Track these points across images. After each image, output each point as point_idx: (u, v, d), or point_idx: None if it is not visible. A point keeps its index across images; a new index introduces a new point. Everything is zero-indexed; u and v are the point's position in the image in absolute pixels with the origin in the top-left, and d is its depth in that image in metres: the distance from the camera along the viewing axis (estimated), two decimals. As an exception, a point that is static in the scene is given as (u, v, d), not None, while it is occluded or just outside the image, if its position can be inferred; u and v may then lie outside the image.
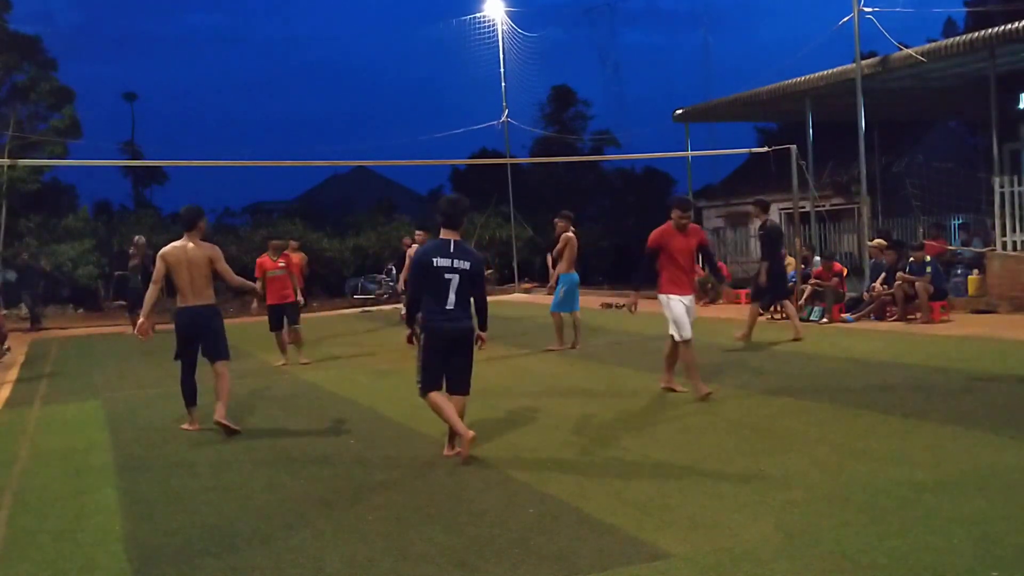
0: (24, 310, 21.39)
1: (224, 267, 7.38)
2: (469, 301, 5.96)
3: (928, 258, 13.08)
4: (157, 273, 7.32)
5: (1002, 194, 14.26)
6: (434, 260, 5.83)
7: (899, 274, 13.01)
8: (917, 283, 12.80)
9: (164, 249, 7.37)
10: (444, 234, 5.97)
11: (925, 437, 5.95)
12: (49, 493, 5.73)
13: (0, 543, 4.75)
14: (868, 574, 3.68)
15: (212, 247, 7.42)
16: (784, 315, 14.47)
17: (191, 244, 7.31)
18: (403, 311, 12.80)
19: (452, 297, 5.81)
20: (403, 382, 9.90)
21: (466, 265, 5.87)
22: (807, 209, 18.17)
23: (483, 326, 6.10)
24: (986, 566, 3.68)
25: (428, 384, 5.96)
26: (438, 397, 5.94)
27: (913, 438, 5.95)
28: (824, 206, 19.47)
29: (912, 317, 12.84)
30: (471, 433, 5.78)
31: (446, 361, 5.95)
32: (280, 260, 11.61)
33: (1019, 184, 14.26)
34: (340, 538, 4.50)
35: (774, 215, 24.82)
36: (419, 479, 5.58)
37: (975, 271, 14.35)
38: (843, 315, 13.55)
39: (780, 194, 21.94)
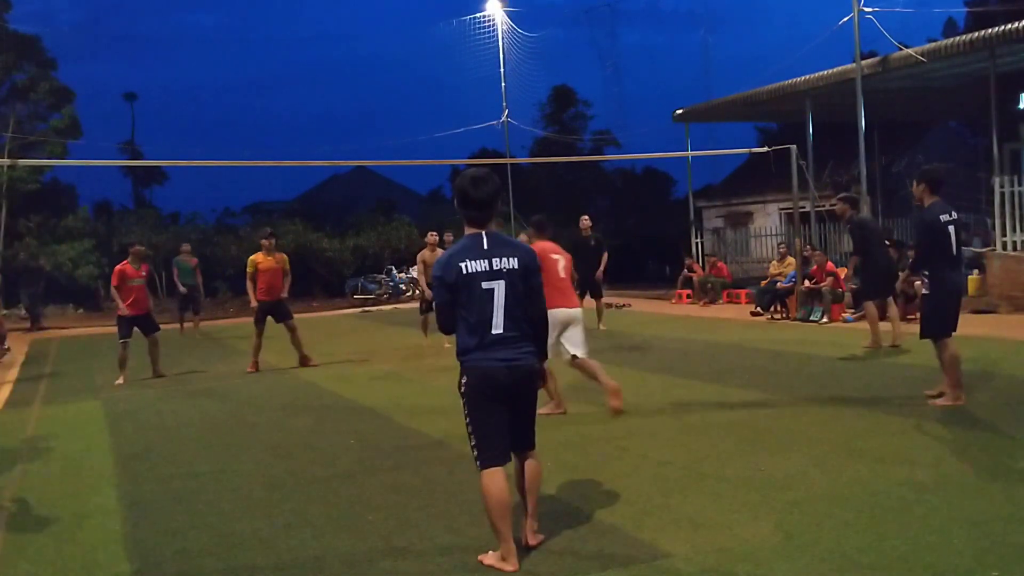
0: (24, 310, 21.42)
1: None
2: (524, 319, 4.09)
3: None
4: None
5: (1002, 194, 14.27)
6: (462, 266, 4.00)
7: (899, 274, 12.99)
8: (916, 283, 12.78)
9: None
10: (470, 230, 4.14)
11: (925, 437, 5.95)
12: (49, 493, 5.73)
13: (0, 543, 4.75)
14: (868, 574, 3.68)
15: None
16: (782, 315, 14.49)
17: None
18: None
19: (498, 316, 4.00)
20: (403, 382, 9.92)
21: (512, 262, 4.04)
22: (807, 209, 18.18)
23: (542, 352, 4.25)
24: (986, 566, 3.68)
25: (485, 457, 4.03)
26: (492, 483, 3.98)
27: (913, 438, 5.95)
28: (824, 206, 19.47)
29: (912, 317, 12.81)
30: (514, 564, 3.95)
31: (504, 415, 4.08)
32: (142, 268, 10.96)
33: (1019, 184, 14.27)
34: (340, 538, 4.50)
35: (774, 215, 24.96)
36: (419, 479, 5.57)
37: (975, 271, 14.35)
38: (843, 315, 13.55)
39: (780, 194, 21.95)
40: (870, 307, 10.51)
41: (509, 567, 3.94)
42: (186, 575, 4.16)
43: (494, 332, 4.01)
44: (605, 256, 13.66)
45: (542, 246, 7.35)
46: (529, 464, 4.27)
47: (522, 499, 4.29)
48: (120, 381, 10.57)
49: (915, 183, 7.18)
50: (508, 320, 4.02)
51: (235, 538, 4.60)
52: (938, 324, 6.94)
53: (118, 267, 10.90)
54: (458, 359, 4.12)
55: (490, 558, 4.04)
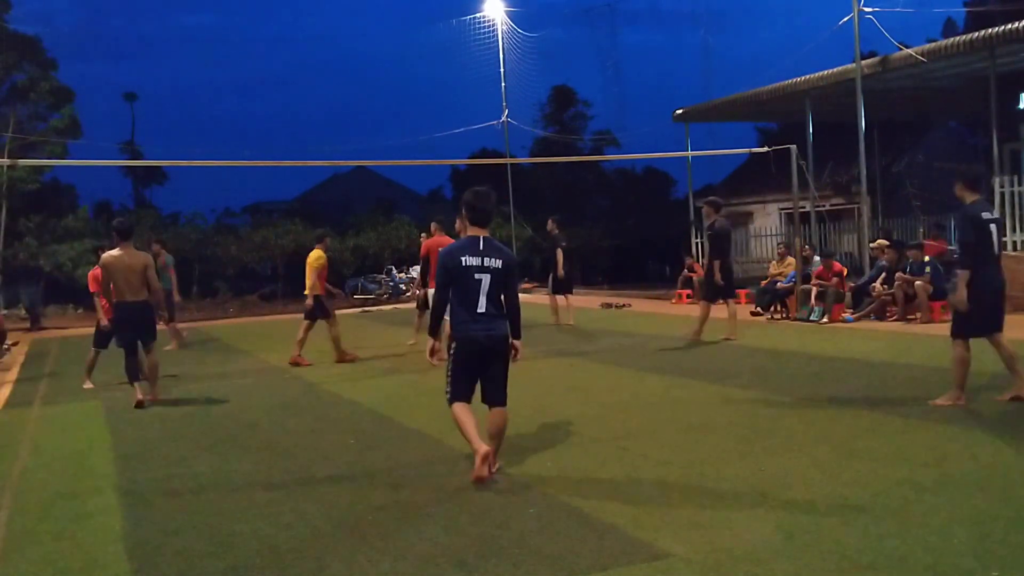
0: (24, 310, 21.43)
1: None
2: (501, 303, 5.47)
3: (927, 258, 13.09)
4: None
5: (1002, 194, 14.27)
6: (463, 259, 5.39)
7: (898, 274, 13.01)
8: (916, 283, 12.80)
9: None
10: (472, 231, 5.55)
11: (925, 437, 5.95)
12: (49, 493, 5.73)
13: (0, 543, 4.75)
14: (868, 574, 3.68)
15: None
16: (782, 314, 14.50)
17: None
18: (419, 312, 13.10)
19: (483, 299, 5.37)
20: (402, 382, 9.92)
21: (498, 263, 5.40)
22: (807, 209, 18.18)
23: (516, 333, 5.56)
24: (986, 566, 3.68)
25: (455, 394, 5.48)
26: (461, 410, 5.43)
27: (913, 438, 5.95)
28: (824, 206, 19.48)
29: (912, 317, 12.84)
30: (484, 448, 5.27)
31: (478, 371, 5.50)
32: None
33: (1019, 184, 14.27)
34: (340, 538, 4.50)
35: (774, 215, 25.00)
36: (419, 479, 5.58)
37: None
38: (843, 315, 13.55)
39: (780, 194, 21.96)
40: (730, 304, 11.91)
41: (482, 449, 5.28)
42: (186, 575, 4.16)
43: (478, 311, 5.39)
44: (558, 253, 14.67)
45: (440, 240, 10.15)
46: (496, 414, 5.50)
47: (489, 442, 5.38)
48: (89, 385, 10.50)
49: (955, 184, 7.08)
50: (489, 303, 5.41)
51: (235, 538, 4.60)
52: (979, 322, 6.85)
53: (97, 272, 9.92)
54: (451, 328, 5.55)
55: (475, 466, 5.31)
